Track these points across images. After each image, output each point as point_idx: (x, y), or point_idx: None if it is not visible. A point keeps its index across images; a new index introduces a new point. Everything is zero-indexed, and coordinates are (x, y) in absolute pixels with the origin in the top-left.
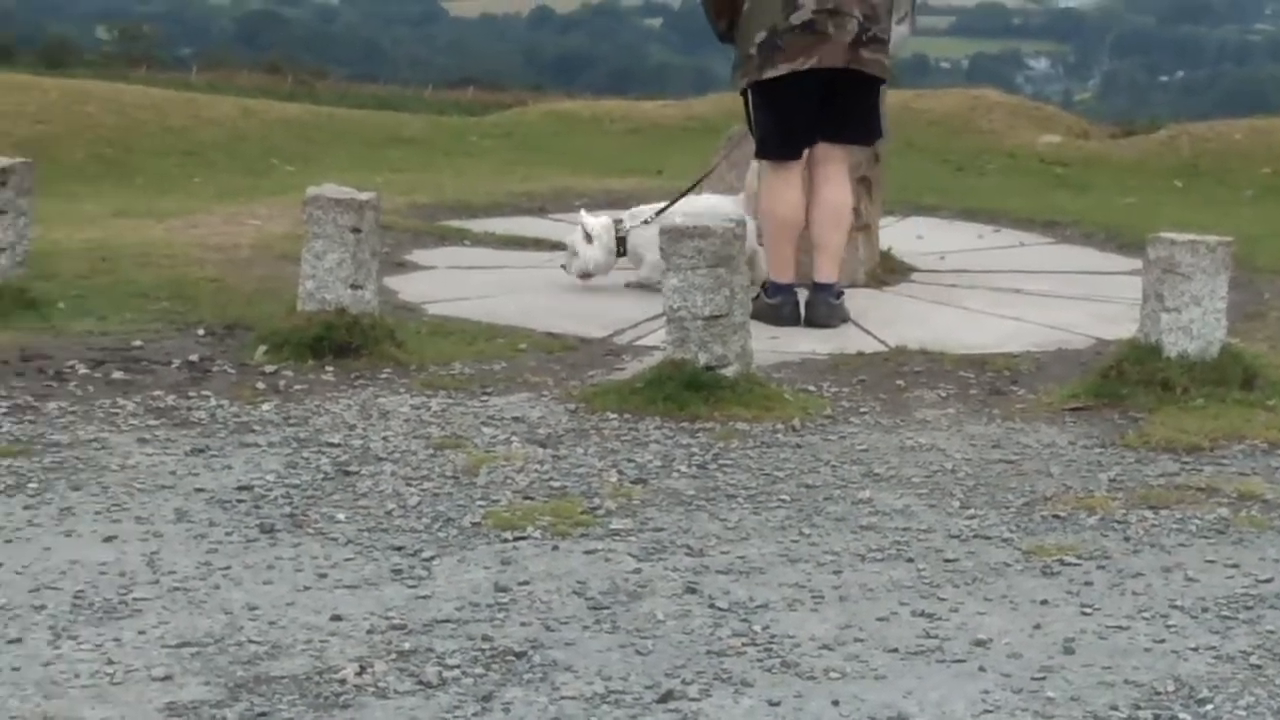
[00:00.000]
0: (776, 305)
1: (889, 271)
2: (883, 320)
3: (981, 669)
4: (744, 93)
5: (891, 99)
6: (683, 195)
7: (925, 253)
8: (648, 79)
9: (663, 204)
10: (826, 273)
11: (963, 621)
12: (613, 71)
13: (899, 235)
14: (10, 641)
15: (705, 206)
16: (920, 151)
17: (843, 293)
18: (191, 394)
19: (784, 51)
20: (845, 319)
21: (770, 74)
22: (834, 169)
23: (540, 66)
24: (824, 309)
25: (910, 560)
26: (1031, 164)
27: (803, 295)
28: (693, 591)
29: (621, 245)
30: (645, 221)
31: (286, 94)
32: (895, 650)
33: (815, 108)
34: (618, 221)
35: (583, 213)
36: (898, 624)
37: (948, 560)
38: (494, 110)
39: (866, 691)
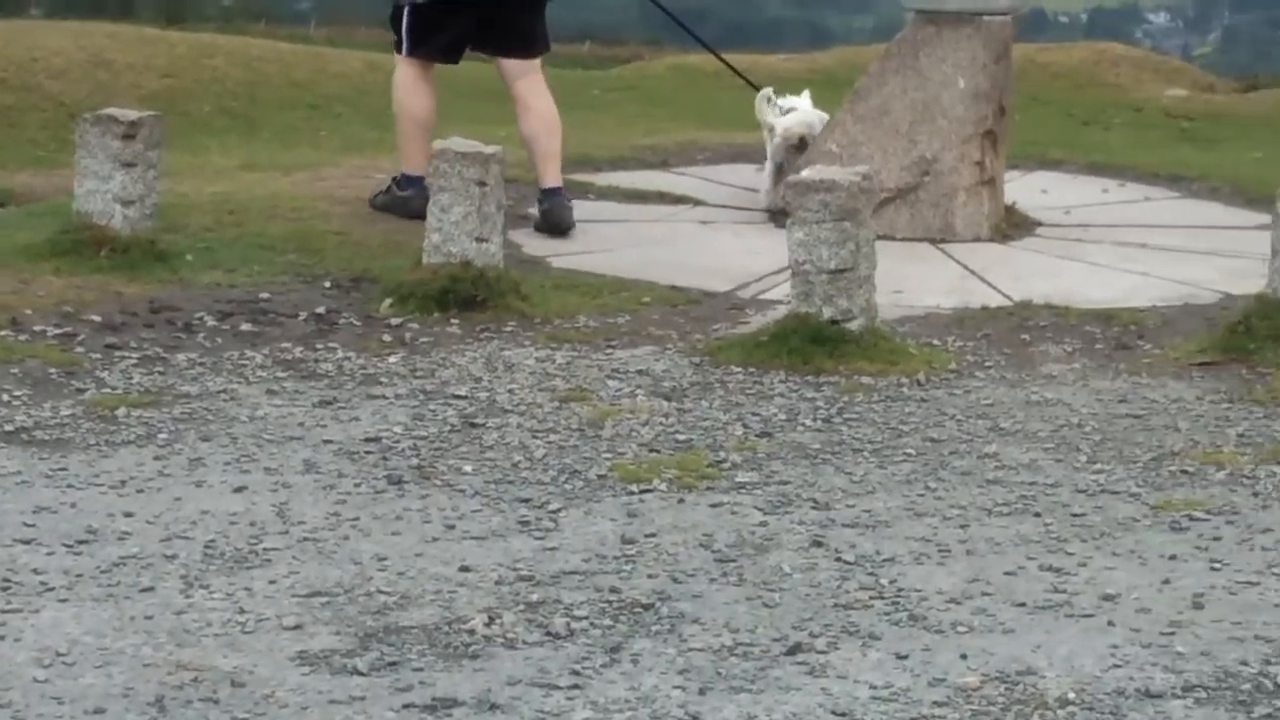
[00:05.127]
0: (409, 197)
1: (1013, 226)
2: (1007, 275)
3: (1110, 624)
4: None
5: (1015, 52)
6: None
7: (1050, 207)
8: (763, 32)
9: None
10: (556, 177)
11: (1091, 576)
12: (728, 25)
13: (1023, 189)
14: (143, 590)
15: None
16: (1045, 105)
17: (571, 196)
18: (318, 346)
19: None
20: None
21: None
22: (533, 80)
23: (657, 20)
24: (565, 211)
25: (1037, 515)
26: (1157, 118)
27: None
28: (819, 545)
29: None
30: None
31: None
32: (1023, 605)
33: (473, 23)
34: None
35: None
36: (1025, 578)
37: (1075, 515)
38: (611, 64)
39: (995, 645)
